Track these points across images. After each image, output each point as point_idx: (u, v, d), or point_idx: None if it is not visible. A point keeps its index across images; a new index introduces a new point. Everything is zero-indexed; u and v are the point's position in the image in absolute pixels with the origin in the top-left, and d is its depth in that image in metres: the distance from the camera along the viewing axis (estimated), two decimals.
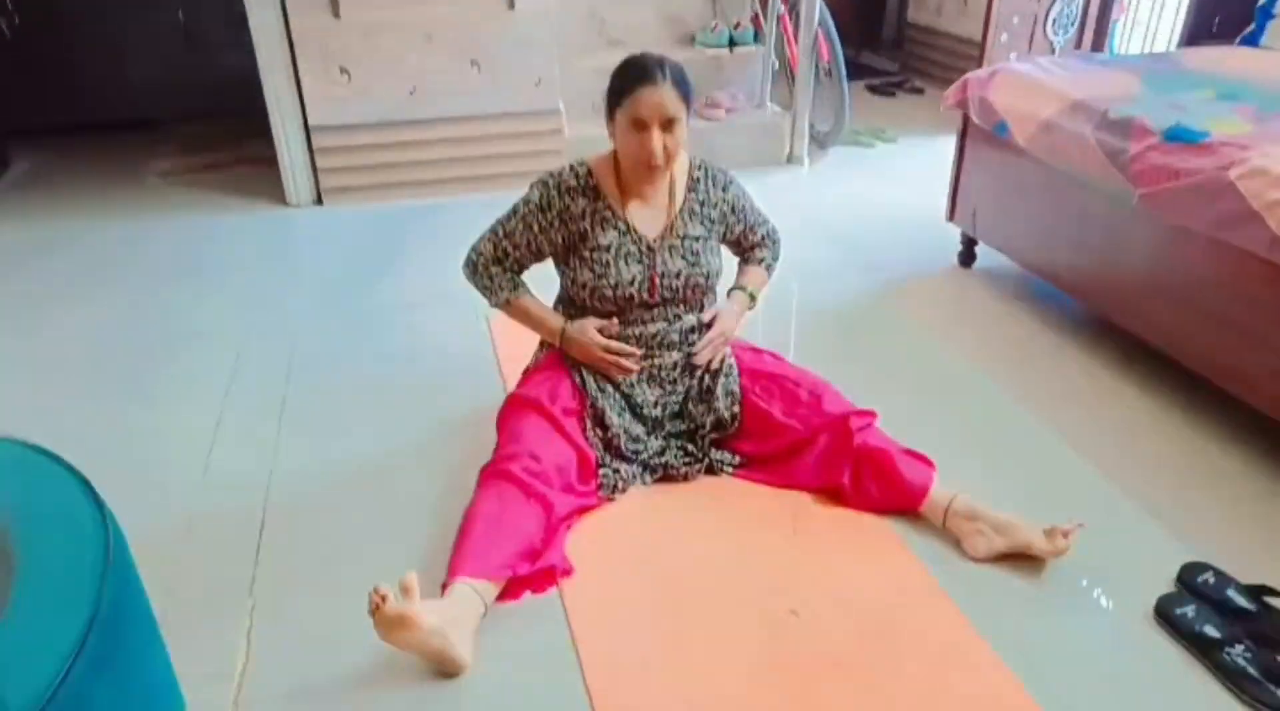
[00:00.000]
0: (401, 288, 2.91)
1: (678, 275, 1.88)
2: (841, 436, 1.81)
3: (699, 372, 1.93)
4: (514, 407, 1.86)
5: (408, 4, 3.41)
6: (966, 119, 2.80)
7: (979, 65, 4.42)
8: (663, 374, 1.92)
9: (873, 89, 5.30)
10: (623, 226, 1.86)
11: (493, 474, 1.69)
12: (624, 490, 1.85)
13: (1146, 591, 1.58)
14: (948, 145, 3.01)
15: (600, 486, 1.82)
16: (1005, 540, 1.65)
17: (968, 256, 2.97)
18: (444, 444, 2.07)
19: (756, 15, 4.14)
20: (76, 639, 0.89)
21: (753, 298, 2.04)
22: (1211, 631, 1.47)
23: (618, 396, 1.90)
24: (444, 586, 1.52)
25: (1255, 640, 1.46)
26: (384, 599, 1.35)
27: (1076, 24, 4.60)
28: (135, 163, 4.18)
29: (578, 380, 1.88)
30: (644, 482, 1.88)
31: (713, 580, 1.64)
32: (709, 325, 1.94)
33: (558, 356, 1.94)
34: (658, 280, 1.86)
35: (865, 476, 1.79)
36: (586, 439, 1.83)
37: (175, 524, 1.81)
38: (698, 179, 1.94)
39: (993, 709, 1.38)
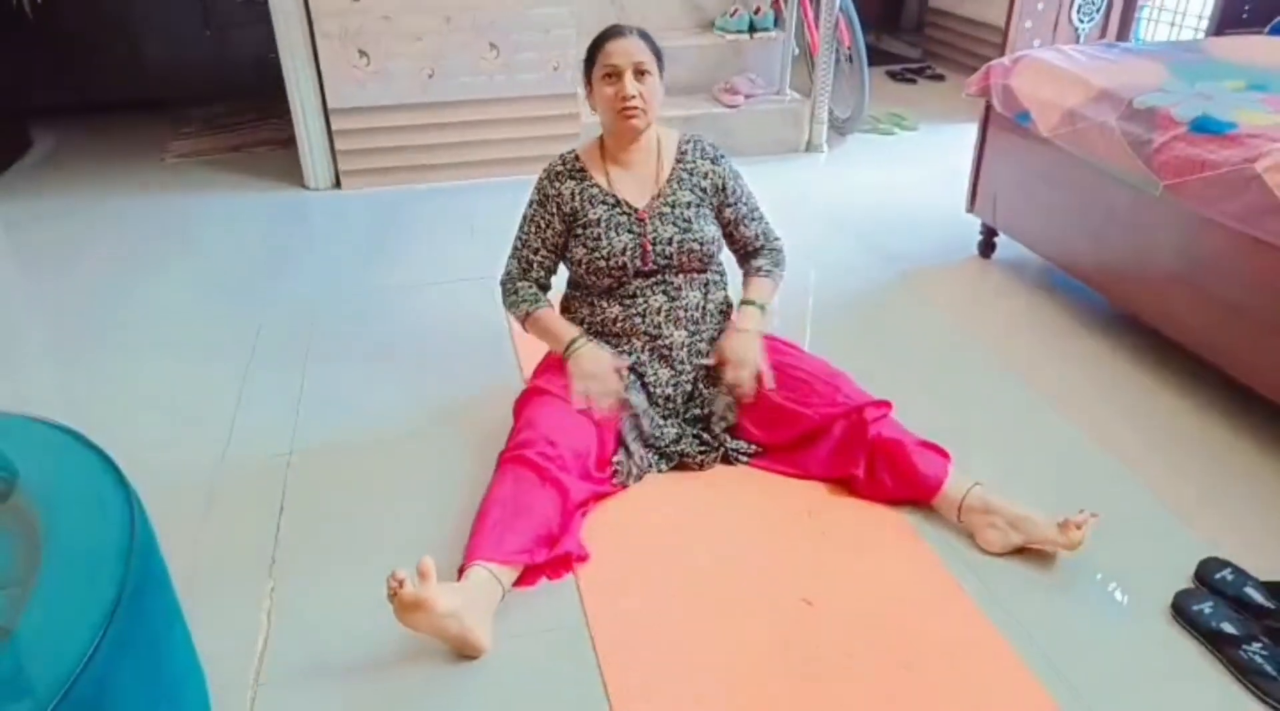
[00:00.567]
0: (419, 270, 2.92)
1: (669, 241, 1.90)
2: (856, 426, 1.81)
3: (710, 357, 1.93)
4: (531, 395, 1.87)
5: None
6: (989, 107, 2.77)
7: (1002, 52, 4.39)
8: (672, 353, 1.92)
9: (893, 75, 5.25)
10: (611, 200, 1.91)
11: (510, 459, 1.70)
12: (639, 478, 1.85)
13: (1164, 587, 1.58)
14: (969, 134, 2.99)
15: (615, 473, 1.83)
16: (1020, 535, 1.64)
17: (987, 247, 2.95)
18: (460, 424, 2.08)
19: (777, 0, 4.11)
20: (102, 617, 0.91)
21: (762, 310, 1.97)
22: (1229, 628, 1.47)
23: (632, 378, 1.90)
24: (461, 570, 1.53)
25: (1272, 637, 1.46)
26: (401, 583, 1.36)
27: (1102, 11, 4.53)
28: (154, 143, 4.20)
29: None
30: (659, 470, 1.89)
31: (727, 568, 1.65)
32: (717, 366, 1.92)
33: None
34: (649, 247, 1.89)
35: (879, 467, 1.78)
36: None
37: (196, 502, 1.83)
38: (685, 150, 1.98)
39: (1006, 702, 1.38)
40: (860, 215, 3.33)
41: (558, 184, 1.93)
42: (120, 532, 1.02)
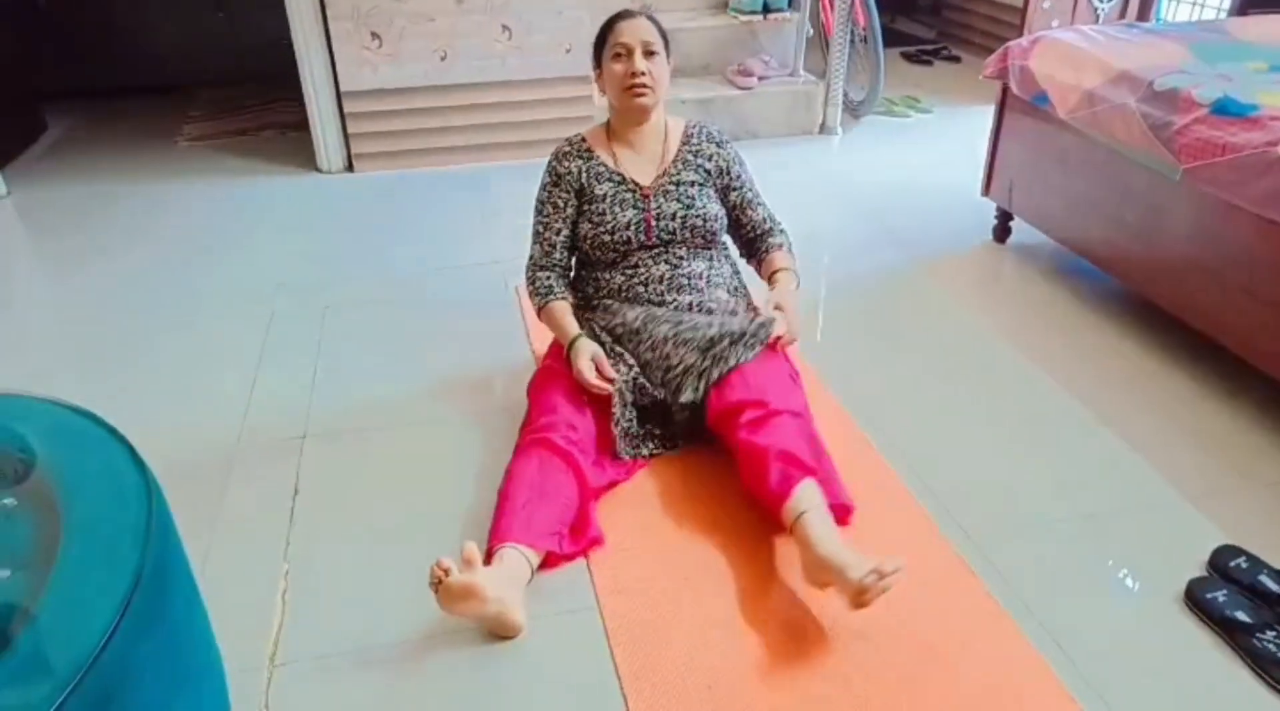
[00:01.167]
0: (432, 253, 2.92)
1: (673, 217, 1.93)
2: (739, 426, 1.70)
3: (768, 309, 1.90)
4: (547, 378, 1.87)
5: None
6: (1005, 89, 2.74)
7: (1019, 33, 4.33)
8: (673, 314, 1.91)
9: (908, 57, 5.19)
10: (617, 177, 1.96)
11: (533, 442, 1.71)
12: (637, 444, 1.85)
13: (1177, 574, 1.57)
14: (985, 116, 2.96)
15: (616, 447, 1.81)
16: (826, 575, 1.46)
17: (1002, 231, 2.93)
18: (473, 406, 2.09)
19: None
20: (121, 598, 0.92)
21: (795, 277, 1.99)
22: (1242, 616, 1.46)
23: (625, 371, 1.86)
24: (489, 552, 1.54)
25: None
26: (447, 572, 1.37)
27: None
28: (167, 127, 4.20)
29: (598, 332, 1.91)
30: (649, 449, 1.86)
31: (735, 551, 1.65)
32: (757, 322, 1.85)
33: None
34: (653, 222, 1.92)
35: (743, 470, 1.68)
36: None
37: (211, 484, 1.85)
38: (691, 135, 2.03)
39: (1019, 689, 1.38)
40: (873, 199, 3.31)
41: (567, 163, 1.98)
42: (138, 514, 1.03)
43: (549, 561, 1.60)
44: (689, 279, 1.95)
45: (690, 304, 1.93)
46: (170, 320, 2.54)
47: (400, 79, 3.50)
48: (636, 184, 1.95)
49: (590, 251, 1.97)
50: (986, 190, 2.91)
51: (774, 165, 3.48)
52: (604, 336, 1.91)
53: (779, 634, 1.48)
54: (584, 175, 1.96)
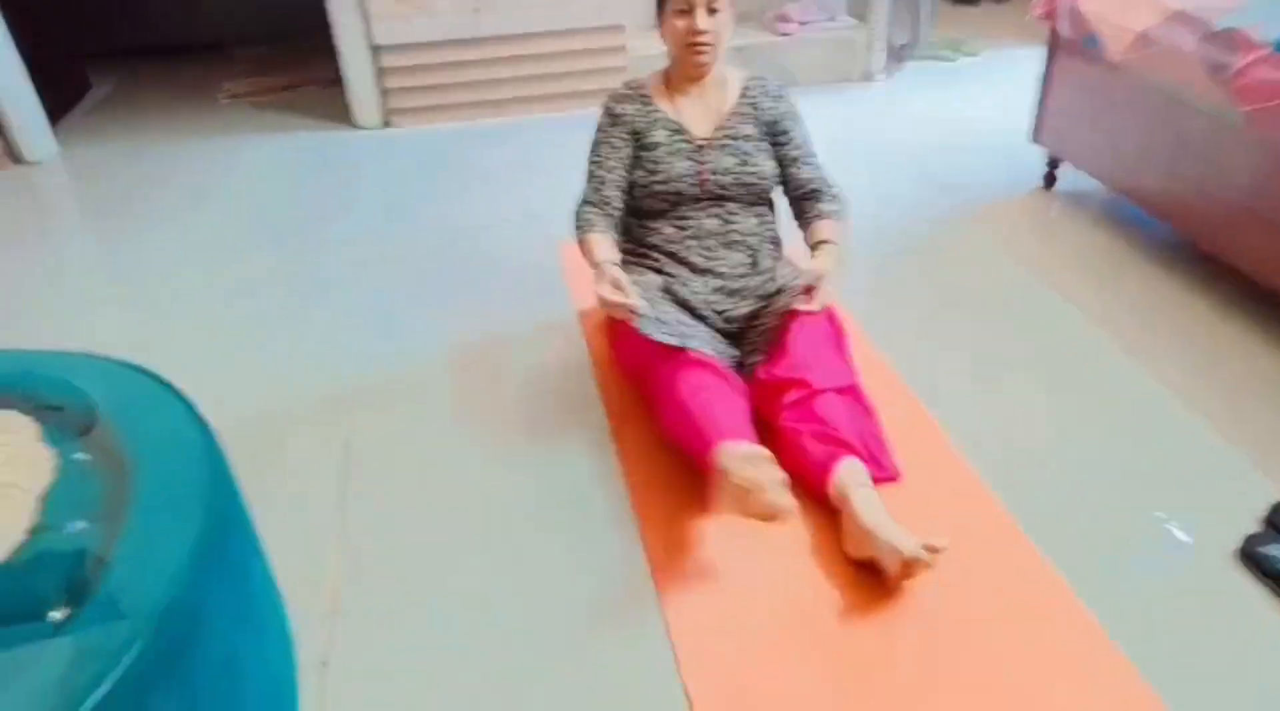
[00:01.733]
0: (469, 209, 2.93)
1: (727, 172, 1.92)
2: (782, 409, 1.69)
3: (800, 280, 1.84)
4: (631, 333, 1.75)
5: None
6: (1055, 31, 2.66)
7: None
8: (725, 276, 1.89)
9: None
10: (673, 125, 1.94)
11: (677, 366, 1.68)
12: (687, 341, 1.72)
13: (1233, 530, 1.55)
14: (1033, 59, 2.87)
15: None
16: (869, 549, 1.47)
17: (1051, 178, 2.86)
18: (515, 361, 2.11)
19: None
20: (191, 547, 0.96)
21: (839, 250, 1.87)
22: None
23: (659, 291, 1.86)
24: (705, 458, 1.51)
25: None
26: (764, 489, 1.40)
27: None
28: (207, 85, 4.24)
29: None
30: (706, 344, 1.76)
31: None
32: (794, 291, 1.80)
33: None
34: (707, 176, 1.91)
35: (786, 455, 1.63)
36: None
37: (265, 441, 1.90)
38: (750, 87, 1.99)
39: (1070, 647, 1.38)
40: (917, 146, 3.24)
41: (625, 104, 1.96)
42: (201, 468, 1.07)
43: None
44: (740, 235, 1.92)
45: (740, 262, 1.91)
46: (218, 279, 2.58)
47: (433, 33, 3.48)
48: (691, 134, 1.94)
49: (641, 200, 1.95)
50: (1035, 136, 2.83)
51: (814, 113, 3.38)
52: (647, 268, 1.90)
53: (833, 599, 1.49)
54: (639, 119, 1.94)
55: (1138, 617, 1.42)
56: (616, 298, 1.69)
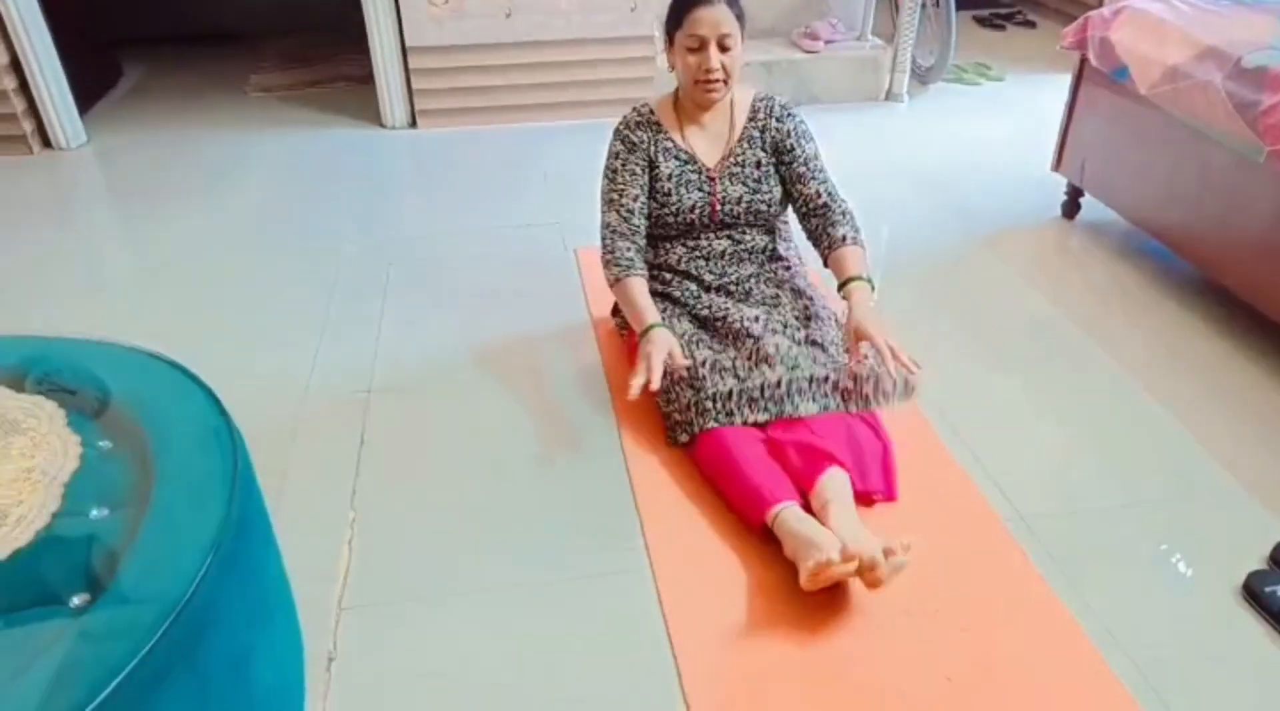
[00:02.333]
0: (493, 211, 2.95)
1: (738, 201, 1.95)
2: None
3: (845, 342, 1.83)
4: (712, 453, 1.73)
5: None
6: (1083, 60, 2.66)
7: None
8: (738, 287, 1.97)
9: (980, 20, 5.04)
10: (684, 155, 1.95)
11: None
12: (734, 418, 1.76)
13: (1236, 566, 1.55)
14: (1059, 86, 2.87)
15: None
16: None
17: (1072, 208, 2.86)
18: (532, 364, 2.13)
19: None
20: (210, 540, 0.97)
21: (871, 284, 1.85)
22: None
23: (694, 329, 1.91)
24: (762, 525, 1.57)
25: None
26: (830, 563, 1.40)
27: None
28: (236, 76, 4.28)
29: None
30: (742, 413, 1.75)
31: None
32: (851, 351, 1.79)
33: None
34: (718, 206, 1.94)
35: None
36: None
37: (281, 433, 1.92)
38: (758, 109, 1.99)
39: (1069, 676, 1.38)
40: (939, 169, 3.24)
41: (637, 132, 1.97)
42: (225, 461, 1.08)
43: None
44: (751, 252, 1.97)
45: (751, 274, 1.95)
46: (241, 273, 2.61)
47: (464, 35, 3.51)
48: (701, 164, 1.95)
49: (653, 226, 1.98)
50: (1058, 165, 2.84)
51: (837, 132, 3.43)
52: (684, 323, 1.91)
53: (825, 604, 1.50)
54: (652, 147, 1.96)
55: (1141, 651, 1.42)
56: (674, 366, 1.74)
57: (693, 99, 1.94)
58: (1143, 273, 2.54)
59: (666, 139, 1.96)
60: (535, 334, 2.27)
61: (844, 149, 3.16)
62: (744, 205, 1.95)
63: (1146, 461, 1.84)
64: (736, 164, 1.95)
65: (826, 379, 1.74)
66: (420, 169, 3.34)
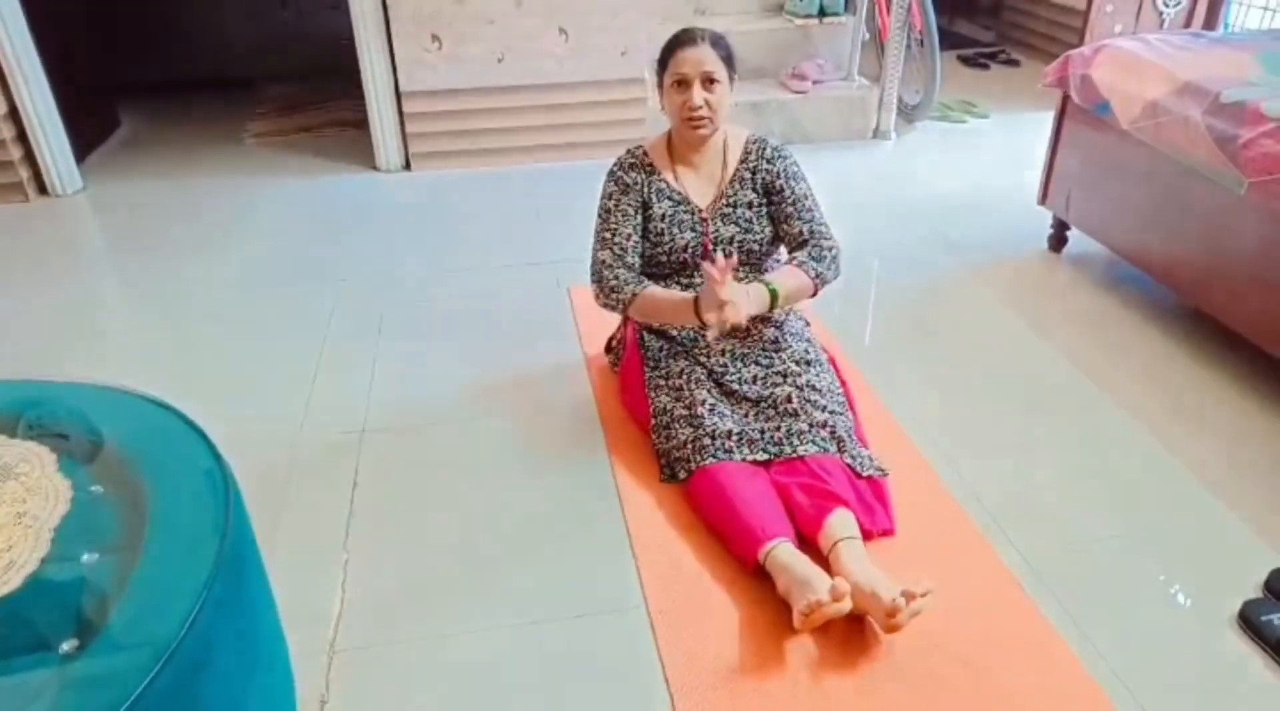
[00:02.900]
0: (487, 252, 2.97)
1: (731, 241, 1.97)
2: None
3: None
4: (704, 490, 1.74)
5: None
6: (1066, 97, 2.71)
7: (1080, 37, 4.24)
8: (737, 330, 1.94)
9: (965, 60, 5.13)
10: (677, 196, 1.98)
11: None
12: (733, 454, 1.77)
13: (1231, 595, 1.55)
14: (1042, 122, 2.93)
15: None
16: (856, 602, 1.47)
17: (1058, 241, 2.89)
18: (526, 404, 2.13)
19: None
20: (202, 583, 0.97)
21: (774, 295, 1.86)
22: None
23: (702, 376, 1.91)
24: (755, 562, 1.57)
25: None
26: (820, 604, 1.42)
27: None
28: (232, 123, 4.33)
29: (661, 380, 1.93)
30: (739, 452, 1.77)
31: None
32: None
33: (637, 364, 1.99)
34: (710, 246, 1.96)
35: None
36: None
37: (274, 476, 1.91)
38: (750, 151, 2.01)
39: (1065, 705, 1.38)
40: (926, 204, 3.29)
41: (631, 174, 2.00)
42: (218, 505, 1.08)
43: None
44: (743, 281, 1.97)
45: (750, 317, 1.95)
46: (235, 316, 2.62)
47: (458, 80, 3.56)
48: (693, 205, 1.98)
49: (646, 265, 2.00)
50: (1043, 199, 2.88)
51: (826, 170, 3.48)
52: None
53: (827, 647, 1.49)
54: (646, 188, 1.98)
55: (1137, 680, 1.41)
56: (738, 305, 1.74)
57: (683, 138, 1.98)
58: (1129, 303, 2.57)
59: (660, 180, 1.99)
60: (528, 372, 2.28)
61: (834, 185, 3.20)
62: (736, 244, 1.97)
63: (1138, 490, 1.84)
64: (729, 205, 1.98)
65: (825, 424, 1.77)
66: (414, 210, 3.37)
